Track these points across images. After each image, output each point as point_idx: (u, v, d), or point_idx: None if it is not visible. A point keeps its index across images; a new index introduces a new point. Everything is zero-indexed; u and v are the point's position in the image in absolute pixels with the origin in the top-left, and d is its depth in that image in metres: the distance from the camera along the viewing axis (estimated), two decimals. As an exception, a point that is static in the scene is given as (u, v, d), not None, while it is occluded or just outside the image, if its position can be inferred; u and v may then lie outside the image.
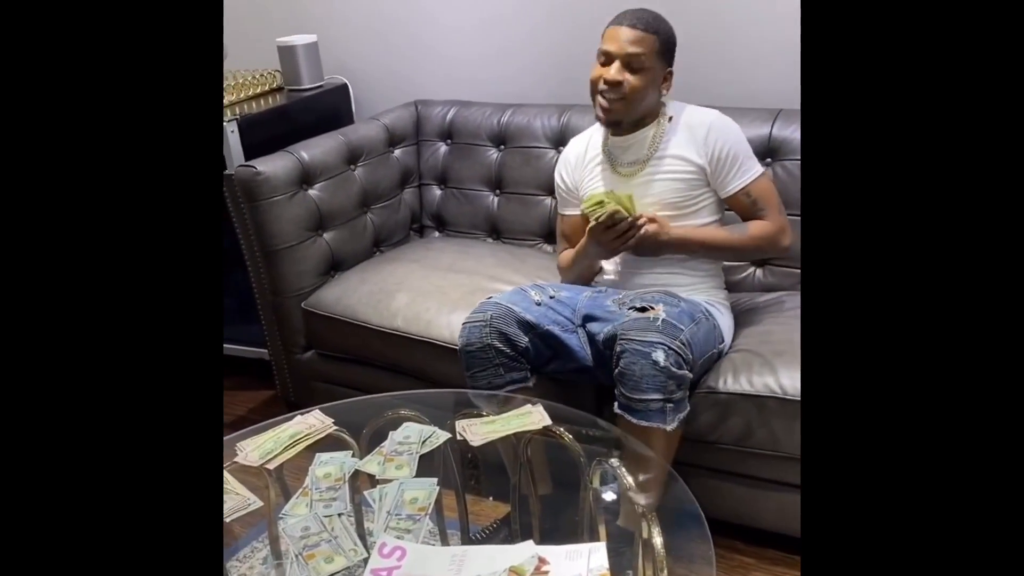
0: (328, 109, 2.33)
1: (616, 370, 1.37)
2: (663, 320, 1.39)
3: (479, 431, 1.30)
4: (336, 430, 1.33)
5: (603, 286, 1.64)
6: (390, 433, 1.31)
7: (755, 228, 1.55)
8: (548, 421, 1.28)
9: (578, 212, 1.62)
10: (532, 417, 1.30)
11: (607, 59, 1.52)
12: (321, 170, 2.00)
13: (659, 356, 1.33)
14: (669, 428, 1.36)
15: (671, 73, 1.56)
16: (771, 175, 1.70)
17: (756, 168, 1.57)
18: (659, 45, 1.51)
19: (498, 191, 2.17)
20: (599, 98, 1.54)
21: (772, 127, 1.82)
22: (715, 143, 1.53)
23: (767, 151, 1.82)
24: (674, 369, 1.34)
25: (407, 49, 2.37)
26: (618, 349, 1.37)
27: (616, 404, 1.39)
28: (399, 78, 2.40)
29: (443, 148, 2.25)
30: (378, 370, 1.90)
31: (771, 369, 1.45)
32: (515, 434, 1.29)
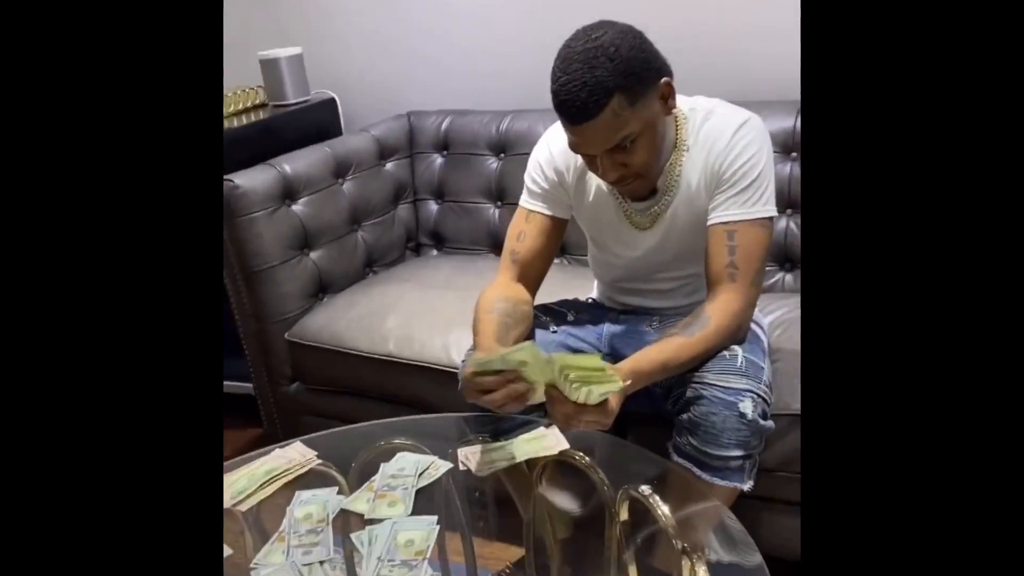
0: (315, 124, 2.19)
1: (685, 416, 1.14)
2: (744, 358, 1.14)
3: (484, 459, 1.13)
4: (320, 464, 1.18)
5: (620, 306, 1.40)
6: (381, 465, 1.15)
7: (718, 316, 1.15)
8: (565, 445, 1.12)
9: (551, 212, 1.29)
10: (546, 441, 1.14)
11: (588, 159, 1.16)
12: (305, 184, 1.86)
13: (747, 408, 1.10)
14: (747, 488, 1.15)
15: (668, 84, 1.12)
16: (770, 231, 1.18)
17: (761, 210, 1.16)
18: (628, 95, 1.06)
19: (500, 203, 2.03)
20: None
21: (796, 120, 1.68)
22: (725, 154, 1.16)
23: (791, 147, 1.68)
24: (760, 422, 1.12)
25: (397, 59, 2.25)
26: (690, 394, 1.13)
27: (675, 451, 1.16)
28: (390, 90, 2.27)
29: (439, 160, 2.12)
30: (373, 401, 1.74)
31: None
32: (527, 462, 1.13)
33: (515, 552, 1.38)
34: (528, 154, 1.35)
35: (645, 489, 0.98)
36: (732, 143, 1.15)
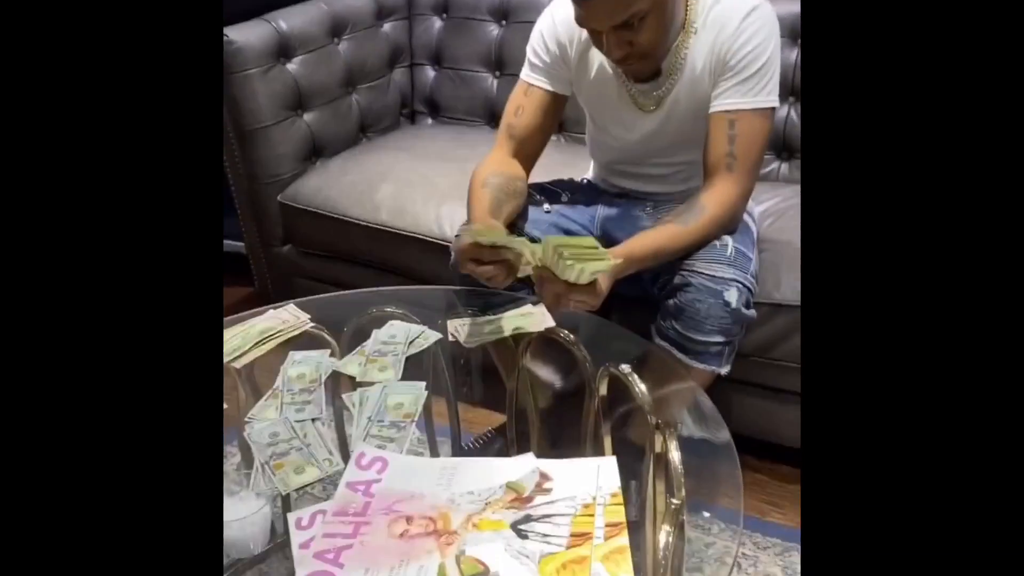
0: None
1: (670, 301, 1.16)
2: (733, 248, 1.16)
3: (473, 332, 1.16)
4: (313, 327, 1.19)
5: (615, 188, 1.39)
6: (373, 332, 1.17)
7: (713, 205, 1.15)
8: (551, 322, 1.14)
9: (551, 87, 1.26)
10: (533, 318, 1.16)
11: (593, 35, 1.13)
12: (300, 42, 1.80)
13: (732, 297, 1.12)
14: (724, 372, 1.19)
15: None
16: (771, 121, 1.18)
17: (764, 99, 1.15)
18: None
19: (499, 73, 1.97)
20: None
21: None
22: (732, 39, 1.13)
23: (798, 33, 1.63)
24: (743, 311, 1.14)
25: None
26: (677, 280, 1.15)
27: (658, 334, 1.19)
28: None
29: (438, 23, 2.04)
30: (365, 268, 1.75)
31: (796, 275, 1.30)
32: (513, 336, 1.15)
33: (497, 418, 1.43)
34: (531, 23, 1.30)
35: (625, 367, 1.00)
36: (740, 29, 1.12)
